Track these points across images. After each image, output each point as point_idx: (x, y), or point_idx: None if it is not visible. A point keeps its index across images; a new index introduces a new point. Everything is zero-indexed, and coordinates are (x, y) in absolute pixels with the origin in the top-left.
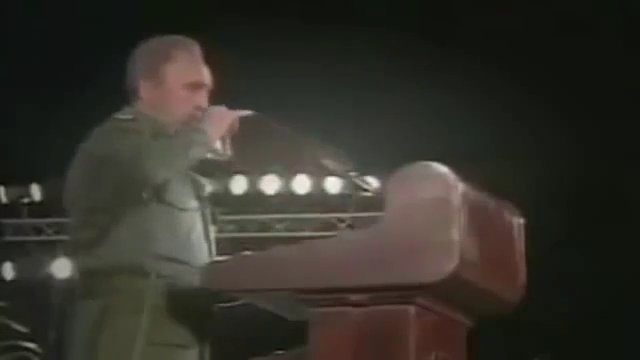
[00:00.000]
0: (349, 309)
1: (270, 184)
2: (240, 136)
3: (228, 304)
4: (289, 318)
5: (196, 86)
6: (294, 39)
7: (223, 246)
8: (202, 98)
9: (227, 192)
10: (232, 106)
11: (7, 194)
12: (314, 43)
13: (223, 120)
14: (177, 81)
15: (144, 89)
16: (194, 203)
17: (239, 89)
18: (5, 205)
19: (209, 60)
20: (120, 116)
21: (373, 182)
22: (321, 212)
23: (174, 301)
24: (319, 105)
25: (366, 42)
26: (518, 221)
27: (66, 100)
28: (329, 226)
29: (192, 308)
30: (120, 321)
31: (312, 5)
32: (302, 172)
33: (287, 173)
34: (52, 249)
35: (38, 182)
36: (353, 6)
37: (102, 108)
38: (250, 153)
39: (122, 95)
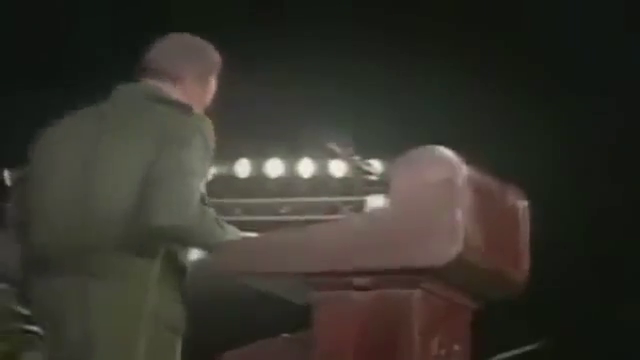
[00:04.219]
0: (353, 293)
1: (274, 168)
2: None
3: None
4: (294, 301)
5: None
6: (296, 25)
7: None
8: None
9: (232, 175)
10: (231, 98)
11: (12, 178)
12: (317, 29)
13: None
14: (209, 95)
15: (190, 82)
16: None
17: (240, 79)
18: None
19: None
20: (184, 101)
21: (377, 165)
22: (326, 195)
23: (181, 283)
24: (322, 90)
25: (367, 24)
26: (523, 204)
27: (69, 83)
28: (334, 209)
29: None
30: (128, 302)
31: None
32: (306, 156)
33: (291, 157)
34: None
35: None
36: None
37: (104, 91)
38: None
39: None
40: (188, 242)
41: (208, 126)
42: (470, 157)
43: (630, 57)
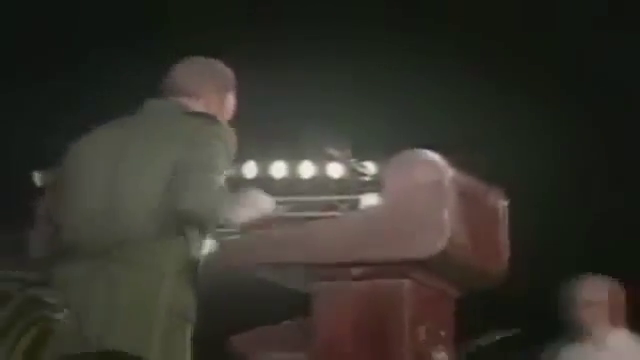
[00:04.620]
0: (350, 282)
1: (278, 169)
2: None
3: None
4: (297, 289)
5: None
6: (294, 25)
7: None
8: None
9: (240, 176)
10: (238, 104)
11: (42, 180)
12: (314, 29)
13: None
14: (229, 110)
15: (209, 98)
16: None
17: (240, 77)
18: (39, 189)
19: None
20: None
21: (371, 167)
22: (324, 195)
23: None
24: (322, 91)
25: (366, 28)
26: (502, 204)
27: (69, 83)
28: (331, 207)
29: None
30: (146, 288)
31: None
32: (307, 159)
33: (293, 159)
34: None
35: None
36: None
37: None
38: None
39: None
40: (208, 226)
41: (231, 135)
42: (470, 157)
43: (630, 57)
